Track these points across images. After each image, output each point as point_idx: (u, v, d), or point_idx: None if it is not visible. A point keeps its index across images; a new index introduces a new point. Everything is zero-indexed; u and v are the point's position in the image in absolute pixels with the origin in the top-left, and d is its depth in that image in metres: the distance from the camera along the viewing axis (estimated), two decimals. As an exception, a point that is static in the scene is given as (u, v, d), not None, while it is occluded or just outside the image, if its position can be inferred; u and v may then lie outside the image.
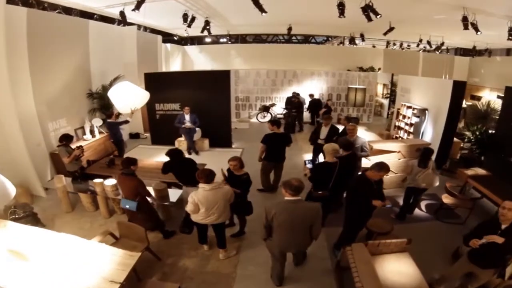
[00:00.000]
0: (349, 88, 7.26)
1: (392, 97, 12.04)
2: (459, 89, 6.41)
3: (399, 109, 8.30)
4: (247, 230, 4.63)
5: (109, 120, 6.80)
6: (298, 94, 10.73)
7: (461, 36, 13.02)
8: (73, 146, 5.73)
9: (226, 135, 8.42)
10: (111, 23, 9.61)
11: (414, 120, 7.29)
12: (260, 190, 5.76)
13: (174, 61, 15.56)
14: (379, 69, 16.12)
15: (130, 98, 6.53)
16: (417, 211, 5.28)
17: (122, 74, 8.44)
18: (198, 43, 16.87)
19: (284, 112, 11.19)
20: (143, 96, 6.69)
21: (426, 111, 7.19)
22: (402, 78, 9.48)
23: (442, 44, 13.65)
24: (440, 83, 7.39)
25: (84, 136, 7.55)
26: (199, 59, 16.35)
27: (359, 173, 3.77)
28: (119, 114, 6.92)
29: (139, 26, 11.75)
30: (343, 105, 11.87)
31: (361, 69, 15.75)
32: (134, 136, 9.81)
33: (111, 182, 4.96)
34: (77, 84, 7.62)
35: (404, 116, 7.99)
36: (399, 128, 8.21)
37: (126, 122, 6.84)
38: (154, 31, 12.69)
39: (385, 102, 13.47)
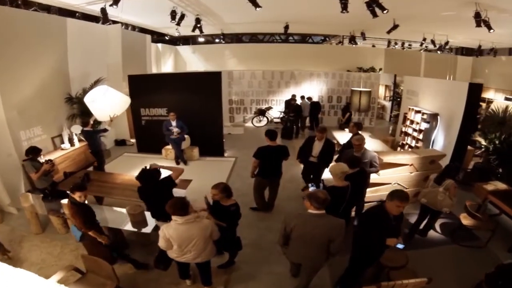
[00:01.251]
0: (352, 91, 6.56)
1: (396, 99, 11.39)
2: (475, 93, 5.77)
3: (406, 113, 7.65)
4: (238, 259, 3.97)
5: (85, 129, 6.11)
6: (295, 96, 10.04)
7: (466, 35, 12.50)
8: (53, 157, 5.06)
9: (217, 142, 7.73)
10: (96, 22, 8.95)
11: (424, 126, 6.64)
12: (253, 208, 5.10)
13: (166, 62, 14.91)
14: (380, 69, 15.54)
15: (108, 104, 5.87)
16: (430, 231, 4.63)
17: (104, 76, 7.73)
18: (193, 43, 16.21)
19: (281, 116, 10.54)
20: (123, 102, 6.02)
21: (438, 117, 6.54)
22: (408, 80, 8.79)
23: (447, 43, 13.11)
24: (454, 86, 6.71)
25: (62, 145, 6.83)
26: (192, 60, 15.74)
27: (376, 202, 3.11)
28: (97, 122, 6.25)
29: (126, 25, 11.10)
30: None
31: (361, 69, 15.20)
32: (120, 143, 9.12)
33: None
34: (54, 87, 6.92)
35: (412, 122, 7.34)
36: (406, 134, 7.55)
37: (105, 131, 6.16)
38: (144, 30, 12.03)
39: (387, 104, 12.85)
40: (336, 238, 2.71)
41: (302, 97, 10.06)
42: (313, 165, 5.07)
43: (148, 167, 3.60)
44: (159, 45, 14.12)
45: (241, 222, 3.62)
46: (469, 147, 6.45)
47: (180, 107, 7.35)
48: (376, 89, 11.01)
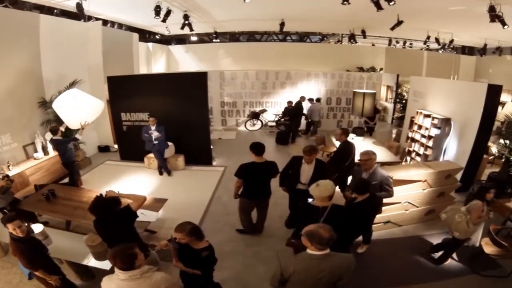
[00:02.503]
0: (355, 93, 5.80)
1: (399, 101, 10.68)
2: (494, 95, 5.09)
3: (413, 117, 6.95)
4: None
5: (54, 137, 5.41)
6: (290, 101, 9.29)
7: (473, 33, 11.86)
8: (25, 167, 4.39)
9: (205, 150, 7.03)
10: (77, 19, 8.27)
11: (434, 132, 5.95)
12: (239, 231, 4.41)
13: (157, 62, 14.23)
14: (381, 69, 14.89)
15: (78, 109, 5.19)
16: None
17: (80, 78, 7.04)
18: (189, 43, 15.50)
19: (276, 119, 9.87)
20: (96, 107, 5.34)
21: (450, 122, 5.85)
22: (416, 80, 8.06)
23: (452, 41, 12.47)
24: (470, 87, 5.95)
25: (35, 154, 6.16)
26: (185, 60, 15.04)
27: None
28: (69, 130, 5.58)
29: (113, 24, 10.41)
30: (344, 110, 10.55)
31: (361, 69, 14.56)
32: (104, 149, 8.43)
33: (38, 228, 3.60)
34: (25, 90, 6.26)
35: (420, 127, 6.64)
36: (413, 140, 6.85)
37: (75, 139, 5.48)
38: (133, 29, 11.35)
39: (389, 106, 12.18)
40: (344, 277, 2.26)
41: (311, 100, 9.35)
42: (303, 194, 3.80)
43: (103, 195, 2.90)
44: (150, 44, 13.44)
45: (225, 248, 2.93)
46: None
47: (163, 111, 6.71)
48: (378, 90, 10.35)
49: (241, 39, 15.56)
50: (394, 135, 9.06)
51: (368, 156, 3.52)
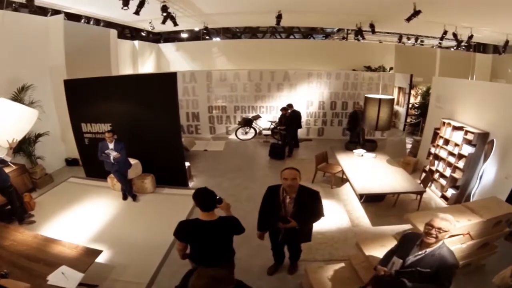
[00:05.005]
0: (367, 100, 4.43)
1: (415, 106, 9.27)
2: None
3: (438, 129, 5.63)
4: None
5: (-24, 159, 4.22)
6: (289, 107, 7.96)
7: (496, 26, 10.47)
8: None
9: (179, 168, 5.78)
10: (43, 15, 7.13)
11: (467, 150, 4.61)
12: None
13: (145, 61, 13.05)
14: (391, 68, 13.53)
15: (4, 124, 4.01)
16: None
17: (30, 83, 5.85)
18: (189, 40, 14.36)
19: (272, 126, 8.59)
20: (26, 119, 4.14)
21: (493, 140, 4.50)
22: (439, 82, 6.63)
23: (471, 37, 11.08)
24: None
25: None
26: (176, 59, 13.86)
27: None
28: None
29: (88, 20, 9.25)
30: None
31: (368, 68, 13.21)
32: (72, 162, 7.23)
33: None
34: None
35: (447, 141, 5.29)
36: (437, 157, 5.52)
37: (3, 162, 4.27)
38: (121, 26, 10.24)
39: (401, 110, 10.80)
40: None
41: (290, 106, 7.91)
42: (289, 233, 2.87)
43: None
44: (136, 42, 12.27)
45: None
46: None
47: (128, 122, 5.51)
48: (390, 92, 9.01)
49: (243, 38, 14.48)
50: (408, 146, 7.70)
51: (448, 225, 2.11)
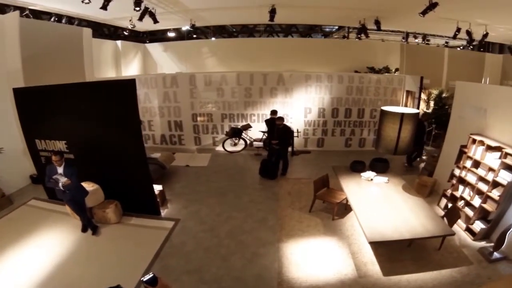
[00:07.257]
0: (383, 113, 3.47)
1: (438, 116, 8.15)
2: None
3: (465, 147, 4.58)
4: None
5: None
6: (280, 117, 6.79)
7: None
8: None
9: (147, 192, 4.77)
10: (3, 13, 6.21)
11: (507, 177, 3.66)
12: None
13: (130, 63, 12.09)
14: (397, 69, 12.54)
15: None
16: None
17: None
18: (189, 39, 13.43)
19: (265, 137, 7.59)
20: None
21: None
22: (465, 88, 5.32)
23: (486, 35, 10.10)
24: None
25: None
26: (165, 60, 12.91)
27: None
28: None
29: (59, 18, 8.30)
30: (355, 125, 8.10)
31: (372, 69, 12.22)
32: (37, 180, 6.27)
33: None
34: None
35: (477, 163, 4.25)
36: (462, 180, 4.48)
37: None
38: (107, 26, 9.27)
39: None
40: None
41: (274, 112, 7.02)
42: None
43: None
44: (119, 42, 11.30)
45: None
46: None
47: (85, 139, 4.55)
48: (399, 98, 8.01)
49: (240, 38, 13.64)
50: (422, 165, 6.63)
51: None
